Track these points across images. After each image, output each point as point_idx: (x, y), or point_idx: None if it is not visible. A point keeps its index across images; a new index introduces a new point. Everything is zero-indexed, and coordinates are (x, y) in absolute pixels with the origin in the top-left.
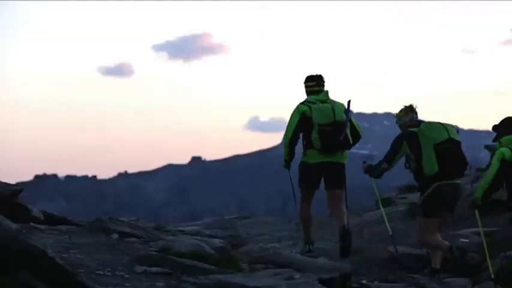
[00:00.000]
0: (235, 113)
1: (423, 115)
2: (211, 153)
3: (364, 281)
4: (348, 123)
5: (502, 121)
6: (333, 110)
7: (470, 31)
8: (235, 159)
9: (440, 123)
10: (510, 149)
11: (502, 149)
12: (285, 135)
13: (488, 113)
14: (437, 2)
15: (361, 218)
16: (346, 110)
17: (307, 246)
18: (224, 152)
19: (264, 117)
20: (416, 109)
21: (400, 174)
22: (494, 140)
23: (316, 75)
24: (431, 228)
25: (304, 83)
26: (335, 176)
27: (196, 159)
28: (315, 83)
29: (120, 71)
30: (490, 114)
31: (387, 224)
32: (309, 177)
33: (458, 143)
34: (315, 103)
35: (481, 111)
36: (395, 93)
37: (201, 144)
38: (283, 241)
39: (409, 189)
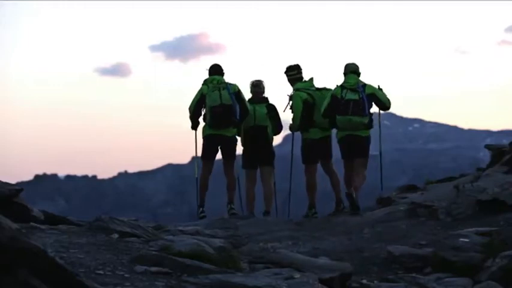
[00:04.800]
0: None
1: (422, 114)
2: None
3: (364, 281)
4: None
5: (211, 66)
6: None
7: (466, 32)
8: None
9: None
10: (208, 86)
11: (202, 87)
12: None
13: (487, 113)
14: (434, 2)
15: (361, 217)
16: None
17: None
18: None
19: None
20: (263, 83)
21: (400, 174)
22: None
23: (296, 64)
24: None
25: (286, 72)
26: (330, 147)
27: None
28: (296, 72)
29: (117, 71)
30: (490, 114)
31: None
32: (313, 151)
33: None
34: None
35: (481, 111)
36: (394, 93)
37: (201, 144)
38: (283, 241)
39: (409, 189)
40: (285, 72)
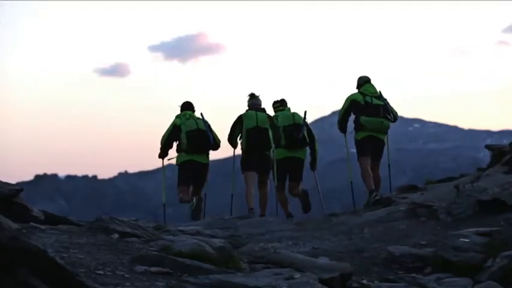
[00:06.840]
0: (233, 112)
1: (422, 114)
2: (211, 153)
3: (364, 281)
4: (305, 127)
5: (183, 103)
6: (293, 115)
7: (465, 32)
8: (235, 159)
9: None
10: (181, 119)
11: (175, 119)
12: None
13: (487, 113)
14: (434, 2)
15: (361, 217)
16: (303, 117)
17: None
18: (224, 152)
19: None
20: (259, 97)
21: (400, 174)
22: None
23: (281, 99)
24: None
25: (272, 105)
26: (296, 169)
27: None
28: (279, 104)
29: (116, 71)
30: (490, 114)
31: None
32: (278, 170)
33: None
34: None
35: (481, 111)
36: (394, 93)
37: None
38: (284, 241)
39: (409, 189)
40: (272, 105)
